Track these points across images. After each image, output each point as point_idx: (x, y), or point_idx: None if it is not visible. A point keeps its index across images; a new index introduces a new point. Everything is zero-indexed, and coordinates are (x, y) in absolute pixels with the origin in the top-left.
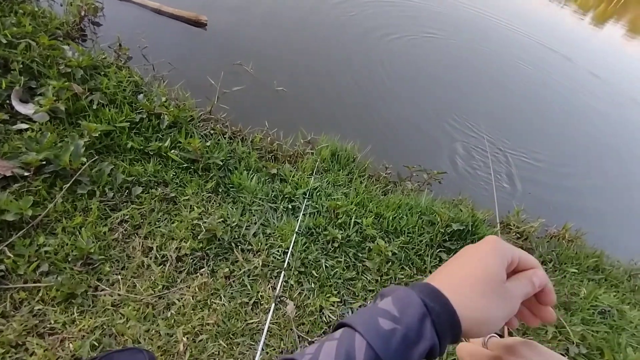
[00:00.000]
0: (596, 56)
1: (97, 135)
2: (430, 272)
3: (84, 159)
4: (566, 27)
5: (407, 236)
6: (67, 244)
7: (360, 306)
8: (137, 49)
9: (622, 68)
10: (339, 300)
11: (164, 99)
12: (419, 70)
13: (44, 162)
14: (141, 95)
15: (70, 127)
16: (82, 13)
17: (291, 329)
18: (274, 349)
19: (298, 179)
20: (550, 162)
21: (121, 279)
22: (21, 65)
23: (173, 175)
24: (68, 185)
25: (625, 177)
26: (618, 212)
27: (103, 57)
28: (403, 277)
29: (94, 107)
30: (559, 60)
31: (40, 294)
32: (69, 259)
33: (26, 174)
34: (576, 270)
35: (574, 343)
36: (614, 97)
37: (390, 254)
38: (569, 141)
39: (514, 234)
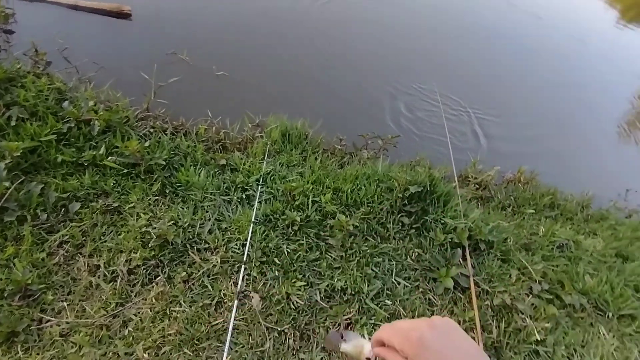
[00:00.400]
0: None
1: (19, 154)
2: (395, 239)
3: (8, 183)
4: None
5: (368, 206)
6: (1, 279)
7: (327, 286)
8: (56, 52)
9: (564, 7)
10: (305, 283)
11: (92, 102)
12: (357, 33)
13: None
14: (66, 102)
15: None
16: None
17: (259, 322)
18: (243, 346)
19: (250, 166)
20: (503, 113)
21: (67, 305)
22: None
23: (113, 183)
24: None
25: (573, 112)
26: (569, 150)
27: (18, 67)
28: (367, 248)
29: (13, 123)
30: (500, 4)
31: None
32: (5, 295)
33: None
34: (533, 211)
35: (536, 281)
36: (558, 39)
37: (352, 227)
38: (519, 91)
39: (472, 185)
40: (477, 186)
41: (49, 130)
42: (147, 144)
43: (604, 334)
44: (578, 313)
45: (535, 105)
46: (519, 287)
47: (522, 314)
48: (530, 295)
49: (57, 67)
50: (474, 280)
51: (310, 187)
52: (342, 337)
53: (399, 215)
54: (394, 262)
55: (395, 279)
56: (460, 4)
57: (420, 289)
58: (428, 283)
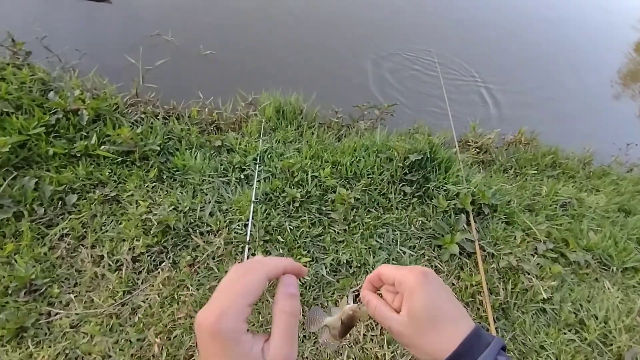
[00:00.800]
0: None
1: (8, 149)
2: (397, 209)
3: (0, 180)
4: None
5: (368, 178)
6: (3, 277)
7: (332, 260)
8: (34, 41)
9: None
10: (311, 259)
11: (78, 91)
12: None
13: None
14: (51, 93)
15: None
16: None
17: (267, 300)
18: (253, 325)
19: (246, 145)
20: (499, 75)
21: (75, 297)
22: None
23: (109, 172)
24: None
25: (569, 69)
26: (568, 108)
27: None
28: (370, 220)
29: None
30: None
31: None
32: (10, 292)
33: None
34: (535, 171)
35: (541, 241)
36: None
37: (353, 200)
38: (512, 50)
39: (473, 149)
40: (478, 150)
41: (37, 123)
42: (139, 131)
43: (608, 288)
44: (583, 269)
45: (530, 64)
46: (524, 248)
47: (528, 274)
48: (536, 256)
49: (38, 57)
50: (479, 244)
51: (309, 163)
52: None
53: (400, 185)
54: (398, 232)
55: (400, 249)
56: None
57: (426, 257)
58: (433, 250)
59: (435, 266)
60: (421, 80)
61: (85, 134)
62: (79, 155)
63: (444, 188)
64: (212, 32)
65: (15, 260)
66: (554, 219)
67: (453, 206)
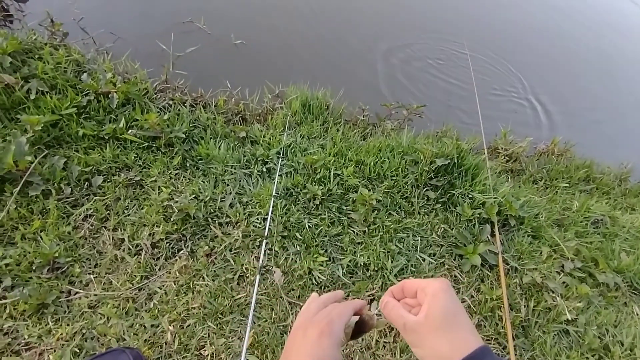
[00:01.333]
0: None
1: (41, 127)
2: (419, 214)
3: (32, 157)
4: None
5: (391, 180)
6: (29, 252)
7: (350, 261)
8: (72, 22)
9: None
10: (327, 259)
11: (110, 75)
12: None
13: None
14: (85, 74)
15: (11, 123)
16: None
17: (281, 297)
18: (266, 320)
19: (270, 138)
20: (536, 81)
21: (94, 278)
22: None
23: (135, 157)
24: (17, 189)
25: (609, 79)
26: (605, 120)
27: (34, 37)
28: (391, 223)
29: (33, 96)
30: None
31: (7, 311)
32: (34, 268)
33: None
34: (567, 185)
35: (568, 259)
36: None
37: (375, 201)
38: (552, 56)
39: (502, 157)
40: (508, 158)
41: (69, 104)
42: (166, 117)
43: (637, 314)
44: (612, 292)
45: (570, 71)
46: (550, 265)
47: (553, 292)
48: (562, 274)
49: (74, 38)
50: (502, 257)
51: (332, 160)
52: None
53: (425, 189)
54: (419, 238)
55: (419, 255)
56: None
57: (446, 266)
58: (454, 260)
59: (455, 276)
60: (452, 81)
61: (114, 117)
62: (107, 137)
63: (470, 196)
64: (244, 22)
65: (41, 237)
66: (584, 236)
67: (478, 215)
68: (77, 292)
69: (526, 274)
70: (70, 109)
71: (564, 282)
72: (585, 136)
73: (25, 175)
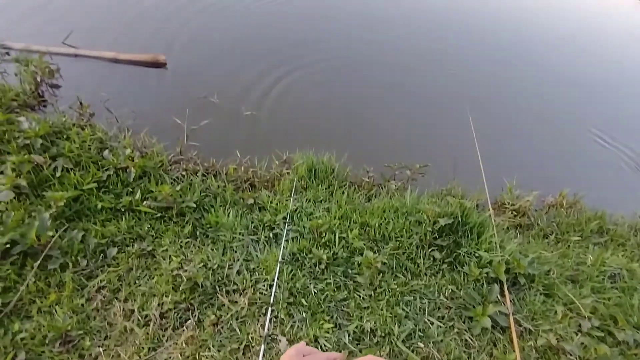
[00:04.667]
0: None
1: (63, 203)
2: (426, 275)
3: (52, 232)
4: None
5: (396, 241)
6: (43, 326)
7: (356, 327)
8: (99, 103)
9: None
10: (334, 325)
11: (129, 150)
12: (378, 63)
13: (10, 245)
14: (106, 151)
15: (37, 199)
16: (38, 79)
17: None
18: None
19: (277, 204)
20: (535, 133)
21: (103, 350)
22: None
23: (148, 227)
24: (38, 263)
25: (613, 127)
26: (615, 169)
27: (64, 119)
28: (397, 286)
29: (58, 174)
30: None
31: None
32: (47, 341)
33: None
34: (579, 238)
35: (585, 317)
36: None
37: (380, 264)
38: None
39: (509, 212)
40: (515, 213)
41: (91, 179)
42: (179, 188)
43: None
44: (632, 350)
45: (568, 122)
46: (565, 325)
47: (570, 355)
48: (579, 334)
49: (100, 118)
50: (514, 318)
51: (337, 223)
52: None
53: (430, 250)
54: (426, 301)
55: (428, 319)
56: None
57: (456, 329)
58: (464, 322)
59: (466, 340)
60: (455, 138)
61: (131, 189)
62: (123, 209)
63: (476, 255)
64: (254, 94)
65: (55, 310)
66: (601, 292)
67: (485, 275)
68: None
69: (541, 336)
70: (91, 184)
71: (582, 343)
72: (594, 186)
73: (45, 249)
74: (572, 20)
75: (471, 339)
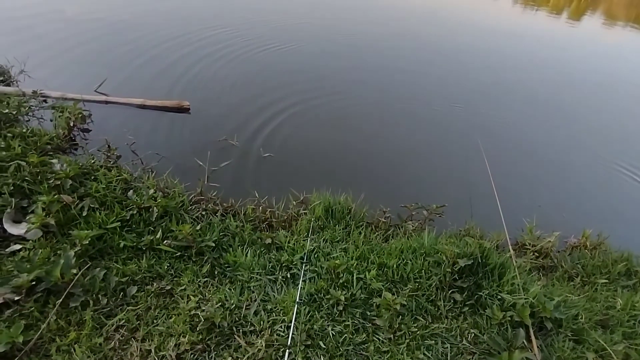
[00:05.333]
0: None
1: (88, 241)
2: (447, 318)
3: (76, 270)
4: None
5: (415, 282)
6: None
7: None
8: (125, 146)
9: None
10: None
11: (152, 191)
12: (393, 103)
13: (35, 282)
14: (131, 191)
15: (64, 238)
16: (71, 124)
17: None
18: None
19: (294, 244)
20: (552, 171)
21: None
22: (12, 187)
23: (167, 266)
24: (60, 301)
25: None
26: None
27: (92, 161)
28: (417, 329)
29: (85, 213)
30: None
31: None
32: None
33: (17, 298)
34: (606, 280)
35: None
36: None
37: (399, 306)
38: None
39: (531, 253)
40: (537, 254)
41: (115, 218)
42: (198, 227)
43: None
44: None
45: (588, 157)
46: None
47: None
48: None
49: (126, 160)
50: None
51: (355, 264)
52: None
53: (450, 292)
54: (448, 345)
55: None
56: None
57: None
58: None
59: None
60: (470, 177)
61: (152, 228)
62: (144, 248)
63: (499, 297)
64: (272, 136)
65: (74, 349)
66: (633, 337)
67: (509, 318)
68: None
69: None
70: (115, 223)
71: None
72: (617, 226)
73: (69, 287)
74: (592, 52)
75: None
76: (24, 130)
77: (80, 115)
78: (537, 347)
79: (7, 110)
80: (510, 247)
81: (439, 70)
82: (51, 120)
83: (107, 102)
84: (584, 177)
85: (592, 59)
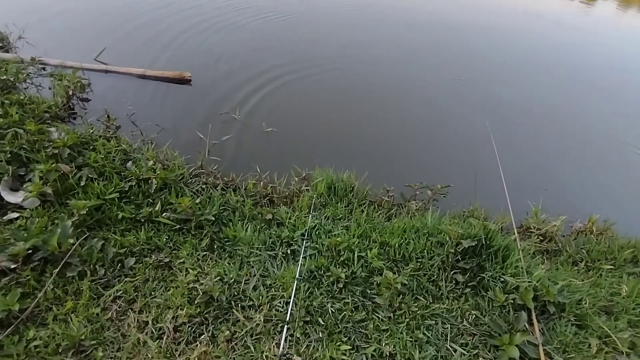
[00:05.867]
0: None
1: (86, 212)
2: (448, 299)
3: (73, 240)
4: None
5: (417, 262)
6: (58, 334)
7: (374, 350)
8: (125, 116)
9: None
10: (351, 347)
11: (151, 162)
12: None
13: (32, 250)
14: (130, 162)
15: (61, 207)
16: (70, 92)
17: None
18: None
19: (295, 220)
20: (561, 153)
21: None
22: (9, 155)
23: (166, 239)
24: (57, 270)
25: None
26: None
27: (91, 131)
28: (418, 309)
29: (83, 183)
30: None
31: None
32: (60, 350)
33: (13, 265)
34: (612, 266)
35: (623, 353)
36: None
37: (400, 285)
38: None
39: (536, 237)
40: (542, 238)
41: (113, 189)
42: (198, 200)
43: None
44: None
45: (598, 140)
46: (601, 359)
47: None
48: None
49: (125, 130)
50: (544, 349)
51: (356, 242)
52: None
53: (452, 272)
54: (448, 326)
55: (450, 345)
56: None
57: (480, 358)
58: (489, 351)
59: None
60: (476, 158)
61: (151, 200)
62: (143, 220)
63: (502, 279)
64: (275, 111)
65: (71, 319)
66: (639, 326)
67: (512, 301)
68: None
69: None
70: (113, 194)
71: None
72: (626, 213)
73: (66, 256)
74: (605, 34)
75: None
76: (22, 98)
77: (79, 84)
78: (539, 330)
79: (4, 77)
80: (515, 229)
81: (450, 48)
82: (50, 89)
83: (106, 72)
84: (593, 162)
85: (605, 42)
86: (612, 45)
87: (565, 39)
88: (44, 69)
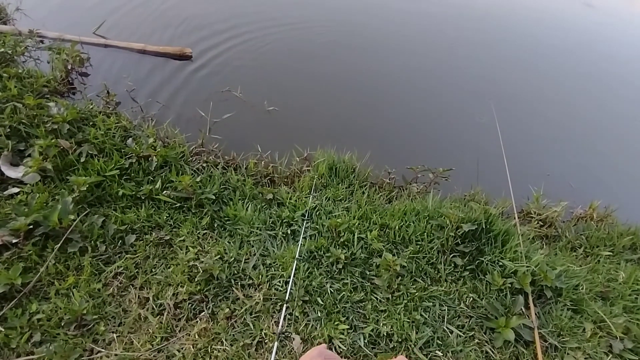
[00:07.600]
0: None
1: (86, 188)
2: (446, 282)
3: (74, 216)
4: None
5: (417, 245)
6: (60, 308)
7: (372, 330)
8: (124, 92)
9: None
10: (349, 327)
11: (151, 139)
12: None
13: (33, 226)
14: (130, 139)
15: (62, 183)
16: (69, 67)
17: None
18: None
19: (296, 201)
20: (566, 139)
21: (117, 337)
22: (8, 129)
23: (167, 217)
24: (58, 245)
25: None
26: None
27: (91, 107)
28: (416, 290)
29: (83, 159)
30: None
31: None
32: (62, 324)
33: (15, 240)
34: (610, 253)
35: (617, 338)
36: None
37: (399, 267)
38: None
39: (536, 222)
40: (542, 223)
41: (113, 166)
42: (199, 179)
43: None
44: None
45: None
46: (595, 344)
47: None
48: (610, 355)
49: (125, 107)
50: (539, 333)
51: (356, 223)
52: None
53: (451, 256)
54: (446, 308)
55: (447, 327)
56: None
57: (476, 340)
58: (485, 333)
59: (486, 352)
60: (479, 142)
61: (152, 178)
62: (143, 197)
63: (500, 263)
64: (278, 90)
65: (73, 293)
66: (634, 312)
67: (509, 285)
68: (99, 351)
69: (568, 354)
70: (113, 171)
71: None
72: (627, 200)
73: (67, 232)
74: (613, 22)
75: (492, 351)
76: (20, 71)
77: (78, 58)
78: (535, 314)
79: (2, 50)
80: (515, 214)
81: (456, 28)
82: (48, 62)
83: (106, 46)
84: (597, 148)
85: (613, 29)
86: (620, 32)
87: (573, 24)
88: (42, 42)
